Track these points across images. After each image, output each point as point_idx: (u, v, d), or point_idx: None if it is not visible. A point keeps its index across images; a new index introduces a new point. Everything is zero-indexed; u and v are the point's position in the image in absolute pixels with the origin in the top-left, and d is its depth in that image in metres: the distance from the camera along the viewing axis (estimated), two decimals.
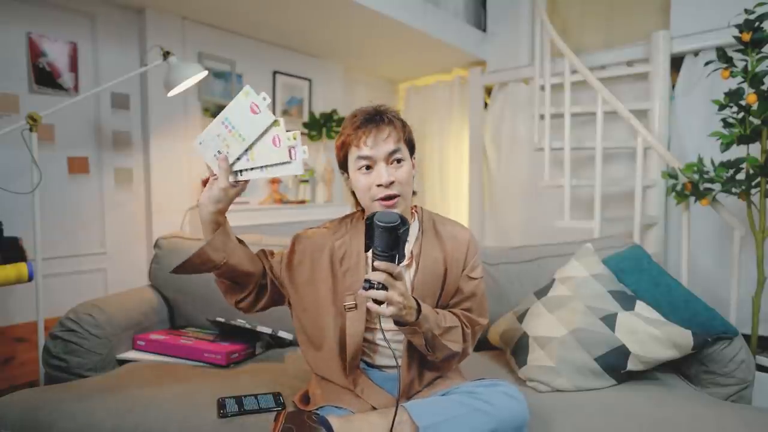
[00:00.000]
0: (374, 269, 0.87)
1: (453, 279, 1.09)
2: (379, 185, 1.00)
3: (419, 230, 1.11)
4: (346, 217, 1.16)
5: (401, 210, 1.02)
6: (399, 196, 1.01)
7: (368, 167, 1.01)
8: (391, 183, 0.99)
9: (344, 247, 1.09)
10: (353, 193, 1.09)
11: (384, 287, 0.86)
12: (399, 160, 1.01)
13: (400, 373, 1.02)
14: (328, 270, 1.08)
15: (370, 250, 0.90)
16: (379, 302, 0.87)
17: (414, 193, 1.09)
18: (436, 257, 1.08)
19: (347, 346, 1.05)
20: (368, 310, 1.00)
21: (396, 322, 0.94)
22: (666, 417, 1.06)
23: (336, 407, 1.03)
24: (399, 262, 0.89)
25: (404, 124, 1.04)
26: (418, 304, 0.95)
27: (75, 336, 1.37)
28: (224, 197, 0.95)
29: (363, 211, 1.11)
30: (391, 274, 0.87)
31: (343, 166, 1.08)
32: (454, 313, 1.07)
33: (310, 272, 1.09)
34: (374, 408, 1.02)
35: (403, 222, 0.87)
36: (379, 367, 1.11)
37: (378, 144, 0.99)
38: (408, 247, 1.08)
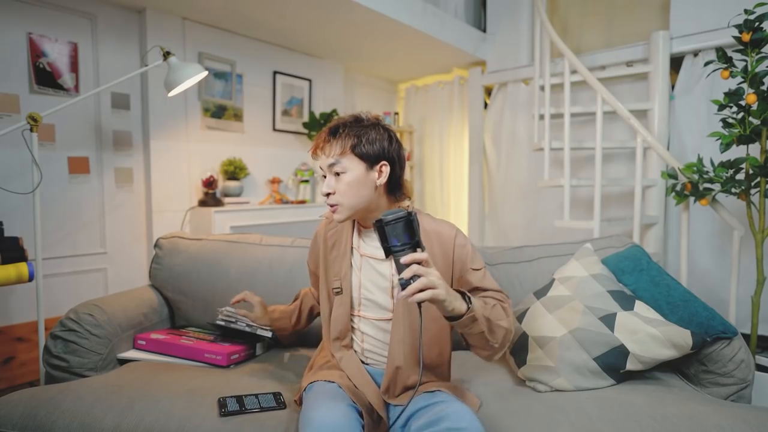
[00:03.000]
0: (399, 268, 0.87)
1: (442, 274, 1.09)
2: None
3: None
4: None
5: (344, 217, 1.10)
6: (338, 205, 1.09)
7: (325, 176, 1.12)
8: (329, 194, 1.09)
9: (335, 236, 1.21)
10: None
11: (418, 277, 0.86)
12: (338, 173, 1.08)
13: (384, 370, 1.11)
14: (322, 258, 1.22)
15: (390, 256, 0.89)
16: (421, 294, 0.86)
17: (403, 195, 1.15)
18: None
19: (331, 326, 1.18)
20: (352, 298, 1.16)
21: (449, 318, 0.95)
22: (665, 417, 1.06)
23: (327, 381, 1.10)
24: (422, 250, 0.89)
25: (358, 136, 1.08)
26: (461, 292, 0.96)
27: (75, 336, 1.38)
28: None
29: None
30: (419, 263, 0.87)
31: None
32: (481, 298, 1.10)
33: (315, 262, 1.28)
34: (355, 386, 1.10)
35: (410, 213, 0.88)
36: (363, 361, 1.18)
37: (322, 157, 1.10)
38: None
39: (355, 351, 1.19)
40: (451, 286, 1.05)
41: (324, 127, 1.12)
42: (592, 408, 1.12)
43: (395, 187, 1.13)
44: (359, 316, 1.16)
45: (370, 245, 1.15)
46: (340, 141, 1.08)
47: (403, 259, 0.87)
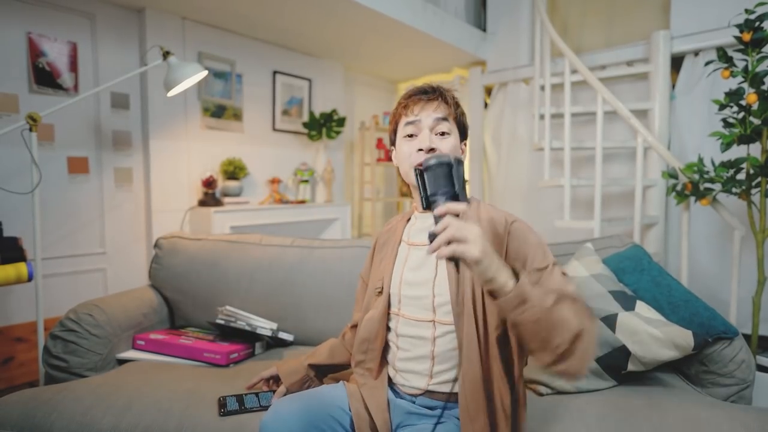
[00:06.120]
0: (436, 221, 0.75)
1: None
2: (420, 150, 0.93)
3: None
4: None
5: None
6: None
7: (412, 135, 0.96)
8: (432, 150, 0.92)
9: (386, 235, 1.11)
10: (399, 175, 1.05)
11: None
12: (443, 133, 0.95)
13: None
14: (372, 264, 1.12)
15: (430, 207, 0.79)
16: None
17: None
18: None
19: (360, 329, 1.04)
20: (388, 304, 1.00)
21: (491, 294, 0.77)
22: (666, 418, 1.06)
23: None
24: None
25: (457, 105, 0.99)
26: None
27: (75, 336, 1.37)
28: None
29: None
30: (456, 215, 0.74)
31: (394, 142, 1.04)
32: None
33: (367, 273, 1.16)
34: (367, 409, 0.94)
35: (458, 160, 0.79)
36: (394, 388, 1.00)
37: (425, 110, 0.96)
38: None
39: (387, 362, 1.02)
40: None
41: (407, 91, 1.00)
42: (593, 410, 1.11)
43: None
44: (398, 315, 0.98)
45: (421, 231, 1.01)
46: (445, 102, 0.97)
47: (437, 210, 0.75)
